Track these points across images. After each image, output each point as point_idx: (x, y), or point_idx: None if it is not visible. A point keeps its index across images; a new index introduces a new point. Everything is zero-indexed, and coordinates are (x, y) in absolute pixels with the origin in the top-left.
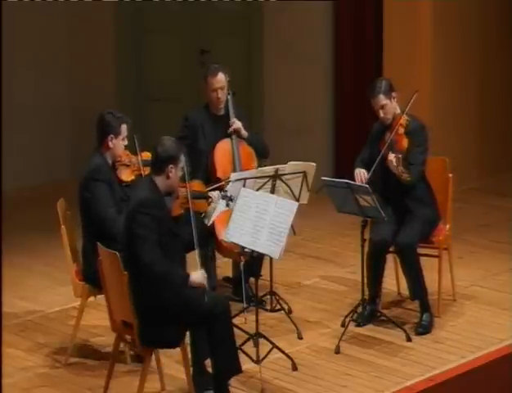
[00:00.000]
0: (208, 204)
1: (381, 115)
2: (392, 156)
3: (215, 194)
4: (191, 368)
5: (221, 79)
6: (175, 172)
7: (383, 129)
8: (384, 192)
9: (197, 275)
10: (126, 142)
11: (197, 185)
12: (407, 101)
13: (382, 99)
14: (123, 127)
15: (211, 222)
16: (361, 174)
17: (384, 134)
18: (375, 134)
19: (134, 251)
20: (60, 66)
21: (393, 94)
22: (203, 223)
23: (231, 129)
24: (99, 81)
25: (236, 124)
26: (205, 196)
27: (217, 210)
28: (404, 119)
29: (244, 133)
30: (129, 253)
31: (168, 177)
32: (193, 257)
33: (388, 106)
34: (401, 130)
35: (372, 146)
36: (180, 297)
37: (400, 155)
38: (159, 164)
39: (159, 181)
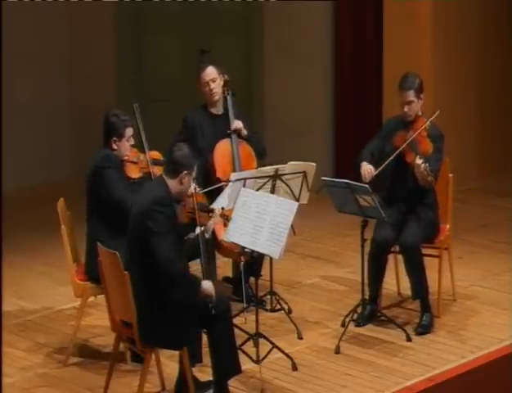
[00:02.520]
0: (210, 217)
1: (405, 109)
2: (420, 160)
3: (216, 210)
4: (177, 375)
5: (211, 71)
6: (188, 180)
7: (399, 126)
8: (391, 189)
9: (208, 285)
10: (132, 142)
11: (201, 197)
12: (429, 116)
13: (411, 95)
14: (128, 130)
15: (209, 235)
16: (367, 170)
17: (402, 130)
18: (390, 130)
19: (150, 247)
20: (60, 66)
21: (422, 95)
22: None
23: (232, 129)
24: (99, 81)
25: (237, 123)
26: (209, 210)
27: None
28: (425, 123)
29: (244, 132)
30: (139, 250)
31: (181, 182)
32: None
33: (415, 103)
34: (424, 133)
35: (384, 142)
36: (184, 295)
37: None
38: (175, 167)
39: (172, 184)
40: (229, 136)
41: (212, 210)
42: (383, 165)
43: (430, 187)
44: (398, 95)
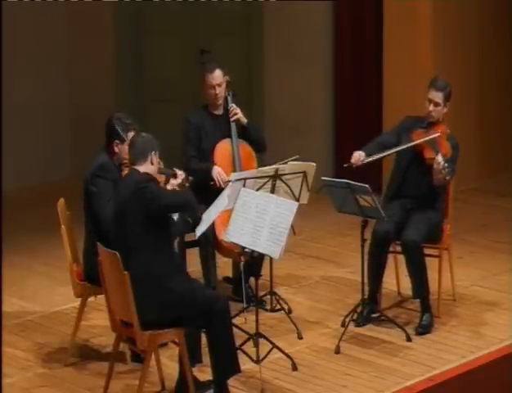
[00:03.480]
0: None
1: (430, 108)
2: (440, 157)
3: (178, 171)
4: (177, 376)
5: (218, 75)
6: (156, 158)
7: (417, 125)
8: (402, 185)
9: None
10: None
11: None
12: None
13: (440, 97)
14: (130, 134)
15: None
16: (357, 155)
17: (421, 129)
18: (407, 128)
19: (159, 210)
20: (60, 66)
21: (448, 104)
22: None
23: (233, 119)
24: (99, 81)
25: (237, 112)
26: (173, 174)
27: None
28: (446, 130)
29: (244, 120)
30: (144, 227)
31: (151, 163)
32: (193, 255)
33: (440, 107)
34: (445, 136)
35: (399, 137)
36: (182, 292)
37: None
38: (141, 153)
39: (143, 169)
40: (229, 135)
41: (175, 174)
42: (392, 151)
43: (442, 188)
44: (426, 93)
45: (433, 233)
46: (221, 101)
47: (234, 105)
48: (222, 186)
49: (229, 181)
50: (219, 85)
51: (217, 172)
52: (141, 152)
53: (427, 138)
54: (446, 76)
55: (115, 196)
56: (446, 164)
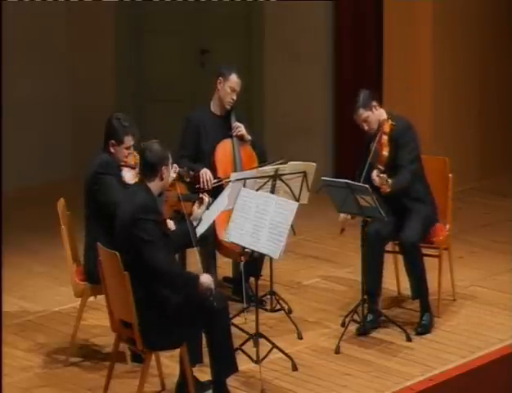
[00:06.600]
0: (199, 206)
1: (365, 127)
2: (374, 175)
3: (206, 198)
4: (177, 376)
5: (240, 83)
6: (167, 171)
7: (371, 138)
8: (379, 194)
9: (206, 277)
10: (131, 150)
11: (181, 187)
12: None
13: (362, 112)
14: (127, 138)
15: (196, 223)
16: (342, 221)
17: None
18: (366, 146)
19: (141, 255)
20: (60, 66)
21: (374, 103)
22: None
23: (235, 135)
24: (99, 81)
25: (241, 129)
26: (196, 199)
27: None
28: (388, 125)
29: (247, 137)
30: (131, 256)
31: (161, 178)
32: (193, 256)
33: (371, 117)
34: (385, 138)
35: (364, 158)
36: (181, 294)
37: (382, 170)
38: (152, 168)
39: (153, 185)
40: (230, 136)
41: (200, 199)
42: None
43: (418, 181)
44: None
45: (425, 227)
46: (229, 107)
47: (237, 122)
48: (206, 187)
49: (215, 182)
50: (237, 93)
51: (203, 171)
52: (150, 170)
53: (371, 155)
54: (446, 76)
55: (119, 207)
56: (382, 176)
